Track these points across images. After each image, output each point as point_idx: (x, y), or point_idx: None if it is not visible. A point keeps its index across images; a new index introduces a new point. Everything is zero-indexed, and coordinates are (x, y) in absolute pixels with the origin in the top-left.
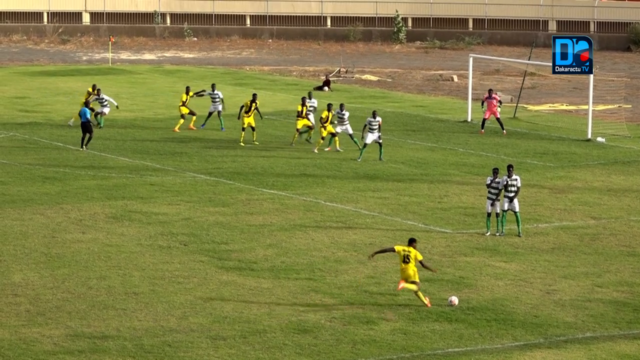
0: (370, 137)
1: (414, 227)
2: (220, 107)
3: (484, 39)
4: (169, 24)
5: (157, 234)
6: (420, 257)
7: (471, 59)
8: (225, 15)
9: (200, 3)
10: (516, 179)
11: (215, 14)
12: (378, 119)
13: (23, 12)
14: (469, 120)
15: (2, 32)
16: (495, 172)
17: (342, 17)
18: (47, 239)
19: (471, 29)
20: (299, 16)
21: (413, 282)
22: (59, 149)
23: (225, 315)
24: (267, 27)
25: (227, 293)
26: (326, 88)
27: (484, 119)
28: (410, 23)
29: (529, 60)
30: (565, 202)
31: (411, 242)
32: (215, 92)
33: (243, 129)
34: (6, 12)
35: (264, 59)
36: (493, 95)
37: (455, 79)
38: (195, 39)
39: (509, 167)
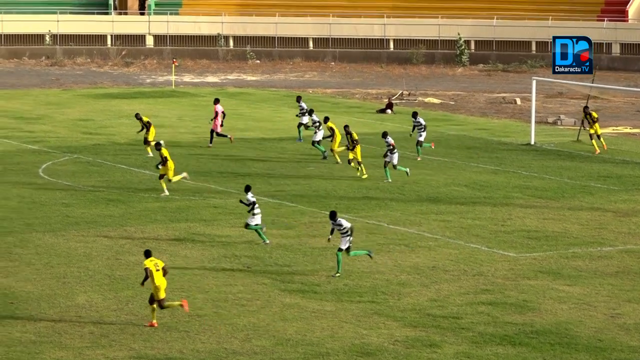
0: (396, 158)
1: (477, 250)
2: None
3: (546, 61)
4: (232, 47)
5: (220, 257)
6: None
7: (534, 82)
8: (288, 37)
9: (263, 26)
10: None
11: (278, 37)
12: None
13: (87, 35)
14: (532, 143)
15: (67, 55)
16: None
17: (405, 39)
18: (110, 260)
19: (534, 52)
20: (361, 39)
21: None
22: (123, 171)
23: (288, 337)
24: (330, 49)
25: (290, 315)
26: (389, 111)
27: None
28: (472, 46)
29: (592, 83)
30: (629, 226)
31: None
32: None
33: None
34: (70, 35)
35: (326, 81)
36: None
37: (518, 101)
38: (258, 61)
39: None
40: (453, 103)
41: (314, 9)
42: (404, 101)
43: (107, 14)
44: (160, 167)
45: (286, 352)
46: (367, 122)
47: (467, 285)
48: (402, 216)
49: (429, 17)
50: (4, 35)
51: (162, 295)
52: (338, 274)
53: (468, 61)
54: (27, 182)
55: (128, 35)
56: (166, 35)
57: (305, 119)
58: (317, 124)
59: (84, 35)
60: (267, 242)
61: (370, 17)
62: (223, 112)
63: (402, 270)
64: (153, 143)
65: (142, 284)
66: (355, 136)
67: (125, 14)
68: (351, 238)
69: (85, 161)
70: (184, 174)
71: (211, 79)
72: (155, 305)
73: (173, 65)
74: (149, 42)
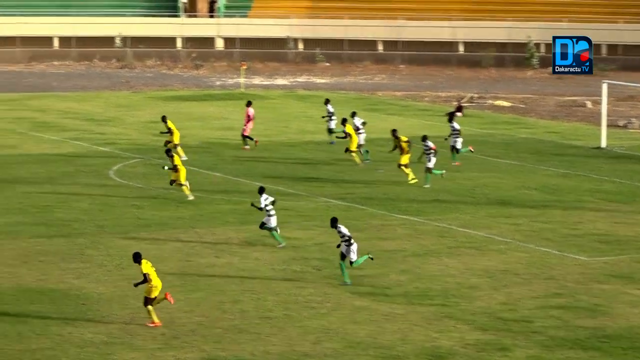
0: (432, 162)
1: (547, 254)
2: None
3: (617, 65)
4: (301, 49)
5: (291, 259)
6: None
7: (605, 85)
8: (358, 40)
9: (333, 28)
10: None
11: (347, 39)
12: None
13: (157, 38)
14: (603, 146)
15: (137, 57)
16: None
17: (475, 42)
18: (181, 262)
19: (604, 55)
20: (431, 42)
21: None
22: (193, 173)
23: (359, 340)
24: (399, 52)
25: (360, 318)
26: (459, 114)
27: None
28: (542, 48)
29: None
30: None
31: None
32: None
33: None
34: (141, 37)
35: (396, 84)
36: None
37: (589, 104)
38: (328, 64)
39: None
40: (523, 106)
41: (383, 12)
42: (473, 104)
43: (176, 16)
44: (165, 168)
45: (357, 355)
46: (436, 125)
47: (538, 289)
48: (472, 219)
49: (499, 20)
50: (75, 37)
51: (154, 294)
52: (349, 283)
53: (538, 64)
54: (98, 184)
55: (198, 37)
56: (236, 38)
57: (333, 123)
58: (357, 127)
59: (154, 37)
60: (282, 244)
61: (439, 19)
62: (250, 116)
63: (473, 273)
64: (172, 145)
65: (136, 285)
66: (404, 139)
67: (195, 16)
68: (353, 247)
69: (155, 163)
70: (191, 197)
71: (280, 81)
72: (151, 307)
73: (242, 67)
74: (219, 44)
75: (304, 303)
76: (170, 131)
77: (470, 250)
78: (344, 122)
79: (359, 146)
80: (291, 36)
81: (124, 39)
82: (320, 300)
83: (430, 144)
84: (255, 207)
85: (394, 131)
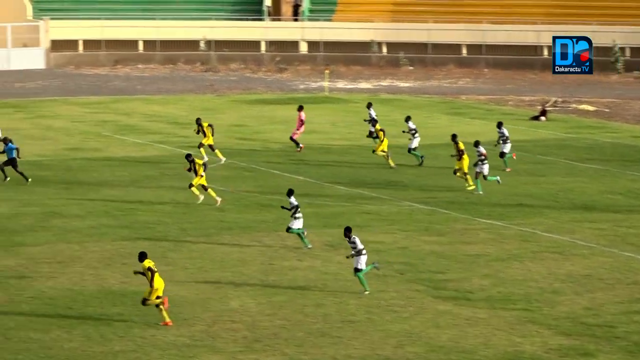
0: (486, 168)
1: (632, 259)
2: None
3: None
4: (385, 53)
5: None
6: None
7: None
8: (441, 44)
9: (417, 32)
10: None
11: (431, 43)
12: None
13: (241, 41)
14: None
15: (221, 61)
16: None
17: None
18: (264, 266)
19: None
20: (515, 45)
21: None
22: (276, 177)
23: (441, 344)
24: (483, 56)
25: (443, 322)
26: (543, 118)
27: None
28: (628, 53)
29: None
30: None
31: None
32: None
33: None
34: (225, 40)
35: (479, 88)
36: None
37: None
38: (411, 67)
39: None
40: (608, 110)
41: (467, 15)
42: (557, 108)
43: (260, 20)
44: (188, 169)
45: (439, 359)
46: (520, 129)
47: (622, 294)
48: (556, 224)
49: (584, 24)
50: (160, 41)
51: (154, 296)
52: (367, 292)
53: (623, 68)
54: (182, 186)
55: (282, 41)
56: (319, 41)
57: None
58: (413, 131)
59: (238, 41)
60: (309, 246)
61: (524, 23)
62: (302, 120)
63: (556, 278)
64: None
65: (135, 273)
66: (462, 146)
67: (279, 20)
68: (362, 257)
69: (239, 166)
70: (218, 203)
71: (364, 85)
72: (158, 303)
73: (326, 71)
74: (303, 48)
75: (386, 307)
76: (204, 133)
77: (553, 255)
78: (374, 123)
79: (413, 149)
80: (375, 40)
81: (209, 43)
82: (402, 304)
83: (482, 149)
84: (286, 209)
85: (453, 136)
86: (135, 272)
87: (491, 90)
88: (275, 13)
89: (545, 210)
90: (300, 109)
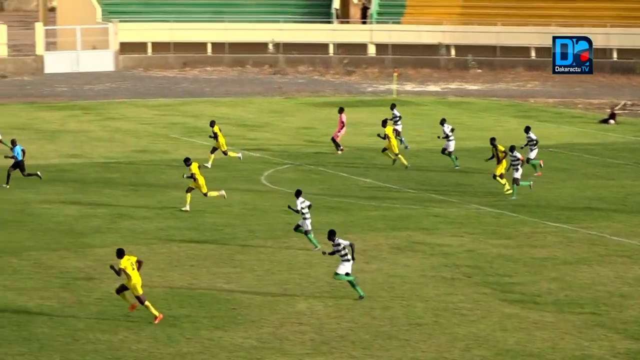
0: (519, 173)
1: None
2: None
3: None
4: (453, 56)
5: (441, 266)
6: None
7: None
8: (510, 47)
9: (485, 35)
10: None
11: (499, 46)
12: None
13: (309, 44)
14: None
15: (289, 63)
16: None
17: (629, 49)
18: (331, 268)
19: None
20: None
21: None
22: (343, 179)
23: (509, 348)
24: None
25: (510, 326)
26: (612, 121)
27: None
28: None
29: None
30: None
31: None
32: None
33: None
34: (293, 43)
35: (548, 91)
36: None
37: None
38: (480, 70)
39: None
40: None
41: (536, 18)
42: (627, 111)
43: (329, 22)
44: (186, 177)
45: None
46: (589, 133)
47: None
48: (625, 227)
49: None
50: (228, 43)
51: (140, 291)
52: (361, 296)
53: None
54: (250, 189)
55: (350, 43)
56: (388, 44)
57: (400, 127)
58: (447, 134)
59: (307, 44)
60: (318, 247)
61: (593, 26)
62: (343, 122)
63: (624, 282)
64: (225, 151)
65: (118, 273)
66: (502, 149)
67: (347, 22)
68: (348, 257)
69: (307, 169)
70: (222, 192)
71: (432, 87)
72: (125, 294)
73: (394, 74)
74: (371, 50)
75: (454, 310)
76: (216, 136)
77: (621, 259)
78: (384, 123)
79: (449, 153)
80: (443, 42)
81: (277, 45)
82: (470, 307)
83: (517, 154)
84: (292, 209)
85: (492, 140)
86: (111, 267)
87: (560, 93)
88: (344, 15)
89: (613, 214)
90: (341, 110)
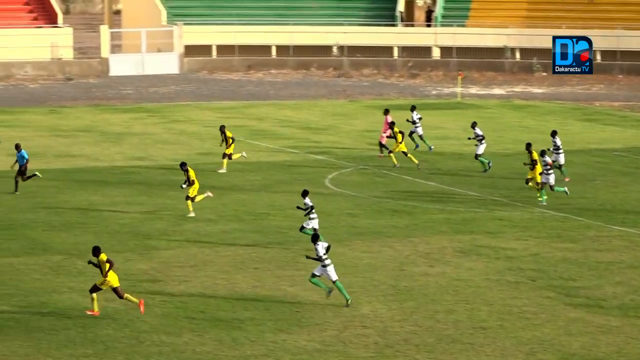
0: (552, 178)
1: None
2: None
3: None
4: (518, 59)
5: (505, 269)
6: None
7: None
8: None
9: (550, 38)
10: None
11: None
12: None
13: (374, 47)
14: None
15: (353, 66)
16: None
17: None
18: (395, 271)
19: None
20: None
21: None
22: (408, 182)
23: (573, 352)
24: (618, 62)
25: (574, 330)
26: None
27: None
28: None
29: None
30: None
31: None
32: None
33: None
34: (357, 46)
35: (613, 94)
36: None
37: None
38: (545, 73)
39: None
40: None
41: (601, 21)
42: None
43: (393, 25)
44: (184, 186)
45: None
46: None
47: None
48: None
49: None
50: (293, 46)
51: (106, 286)
52: (330, 294)
53: None
54: (314, 192)
55: (415, 46)
56: (452, 47)
57: (420, 130)
58: (480, 137)
59: (371, 46)
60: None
61: None
62: (392, 123)
63: None
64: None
65: (90, 262)
66: (535, 156)
67: (412, 25)
68: (329, 268)
69: (370, 172)
70: (208, 193)
71: (497, 91)
72: (95, 295)
73: (459, 77)
74: (435, 53)
75: (518, 314)
76: (227, 141)
77: None
78: (391, 125)
79: (479, 156)
80: (508, 45)
81: (341, 48)
82: (534, 311)
83: (548, 159)
84: (301, 209)
85: (528, 145)
86: (89, 262)
87: (625, 97)
88: (408, 18)
89: None
90: (387, 112)
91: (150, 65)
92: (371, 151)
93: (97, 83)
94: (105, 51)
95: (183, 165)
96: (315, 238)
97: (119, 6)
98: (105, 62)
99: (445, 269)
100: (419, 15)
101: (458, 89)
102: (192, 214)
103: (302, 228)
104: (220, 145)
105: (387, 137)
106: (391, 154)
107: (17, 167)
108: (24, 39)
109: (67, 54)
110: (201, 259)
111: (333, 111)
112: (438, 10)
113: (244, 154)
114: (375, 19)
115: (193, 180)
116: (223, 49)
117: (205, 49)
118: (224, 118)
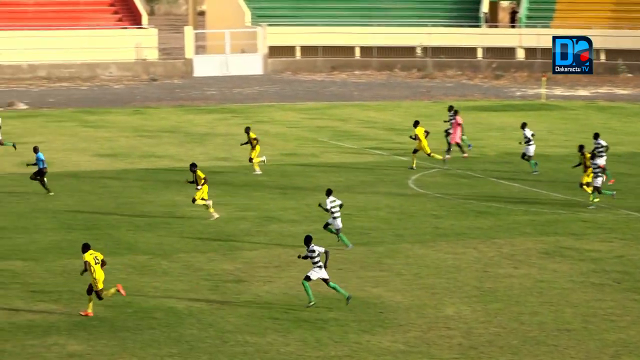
0: (599, 181)
1: None
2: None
3: None
4: (603, 60)
5: (590, 271)
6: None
7: None
8: None
9: (636, 39)
10: None
11: None
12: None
13: (458, 48)
14: None
15: (437, 67)
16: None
17: None
18: (479, 273)
19: None
20: None
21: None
22: (492, 184)
23: None
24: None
25: None
26: None
27: None
28: None
29: None
30: None
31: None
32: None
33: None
34: (441, 47)
35: None
36: None
37: None
38: (630, 75)
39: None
40: None
41: None
42: None
43: (477, 26)
44: (189, 181)
45: None
46: None
47: None
48: None
49: None
50: (377, 47)
51: (100, 286)
52: (312, 303)
53: None
54: (397, 193)
55: (499, 47)
56: (537, 48)
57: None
58: (528, 139)
59: (455, 48)
60: (350, 246)
61: None
62: (460, 124)
63: None
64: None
65: (82, 274)
66: (588, 157)
67: (496, 26)
68: (320, 264)
69: (454, 173)
70: (209, 202)
71: (582, 92)
72: (92, 296)
73: (543, 78)
74: (520, 55)
75: (603, 316)
76: (251, 143)
77: None
78: (415, 124)
79: (528, 157)
80: (593, 46)
81: (425, 49)
82: (620, 313)
83: (598, 162)
84: (322, 208)
85: (581, 147)
86: (82, 273)
87: None
88: (492, 19)
89: None
90: (456, 112)
91: (234, 66)
92: (455, 152)
93: (181, 84)
94: (189, 52)
95: (193, 166)
96: (307, 240)
97: (204, 7)
98: (189, 63)
99: (529, 271)
100: (503, 16)
101: (542, 90)
102: (215, 215)
103: (326, 225)
104: (243, 145)
105: (412, 138)
106: (432, 155)
107: (34, 168)
108: (108, 40)
109: (152, 54)
110: (285, 260)
111: (417, 112)
112: (522, 11)
113: (264, 158)
114: (459, 19)
115: (203, 180)
116: (307, 50)
117: (289, 50)
118: (307, 119)
